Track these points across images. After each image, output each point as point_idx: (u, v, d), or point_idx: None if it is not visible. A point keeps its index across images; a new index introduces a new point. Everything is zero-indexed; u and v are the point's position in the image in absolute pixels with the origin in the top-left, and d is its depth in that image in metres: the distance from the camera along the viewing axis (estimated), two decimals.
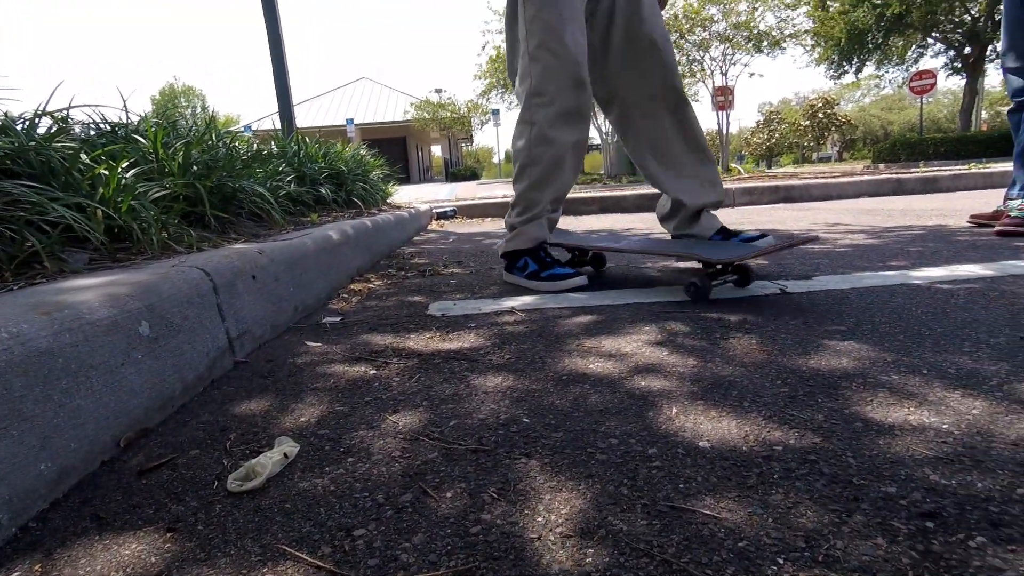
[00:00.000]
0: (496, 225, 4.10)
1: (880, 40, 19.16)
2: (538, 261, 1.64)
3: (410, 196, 7.59)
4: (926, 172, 6.22)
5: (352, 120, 19.45)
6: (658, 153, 1.76)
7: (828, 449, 0.64)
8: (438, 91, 22.26)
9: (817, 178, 6.70)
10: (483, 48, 16.43)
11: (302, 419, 0.79)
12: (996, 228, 2.19)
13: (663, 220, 1.87)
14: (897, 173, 6.53)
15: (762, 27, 16.36)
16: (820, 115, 37.97)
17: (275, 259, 1.27)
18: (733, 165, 11.31)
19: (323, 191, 2.64)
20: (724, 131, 17.11)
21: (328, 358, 1.05)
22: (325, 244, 1.60)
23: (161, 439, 0.75)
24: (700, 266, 1.49)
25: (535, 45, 1.56)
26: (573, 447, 0.67)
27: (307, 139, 3.05)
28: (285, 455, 0.67)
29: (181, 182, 1.45)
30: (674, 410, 0.76)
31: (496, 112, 17.42)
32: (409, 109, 21.86)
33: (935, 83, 14.62)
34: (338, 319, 1.34)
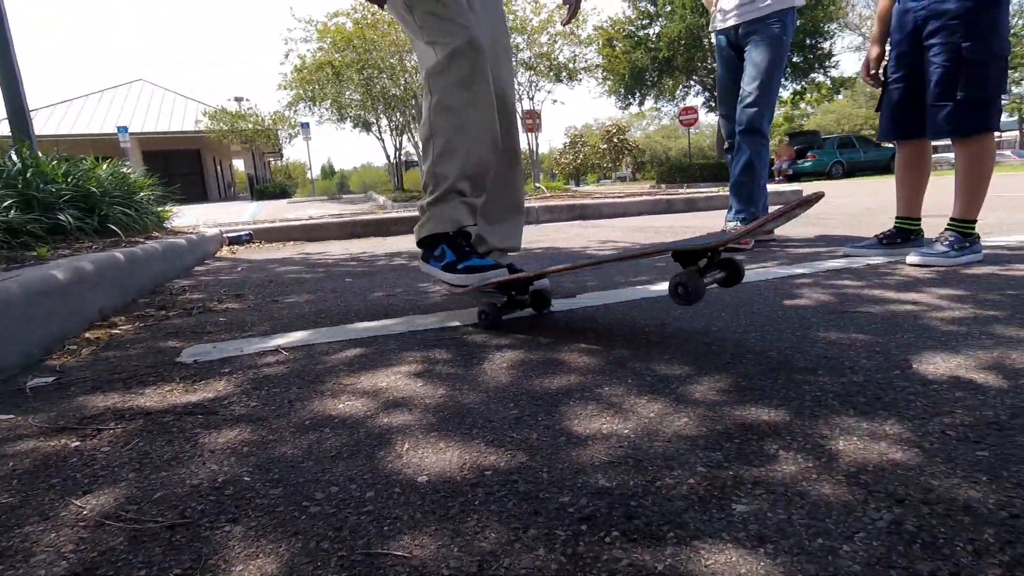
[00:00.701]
0: (298, 250, 3.87)
1: (656, 79, 22.44)
2: (456, 249, 1.52)
3: (203, 218, 6.81)
4: (689, 193, 7.41)
5: (126, 128, 16.69)
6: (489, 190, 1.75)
7: (530, 467, 0.71)
8: (238, 100, 20.38)
9: (608, 197, 7.56)
10: (286, 56, 15.49)
11: None
12: None
13: None
14: (668, 195, 7.66)
15: (561, 59, 18.03)
16: (615, 140, 43.06)
17: None
18: (537, 185, 12.26)
19: (63, 218, 2.23)
20: (535, 152, 18.45)
21: (16, 434, 0.88)
22: (43, 286, 1.35)
23: None
24: (680, 266, 1.16)
25: (428, 33, 1.52)
26: (288, 503, 0.65)
27: (41, 154, 2.55)
28: None
29: None
30: (406, 446, 0.78)
31: (305, 125, 16.49)
32: (202, 118, 19.55)
33: (697, 117, 17.55)
34: (50, 380, 1.13)
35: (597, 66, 20.94)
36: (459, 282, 1.48)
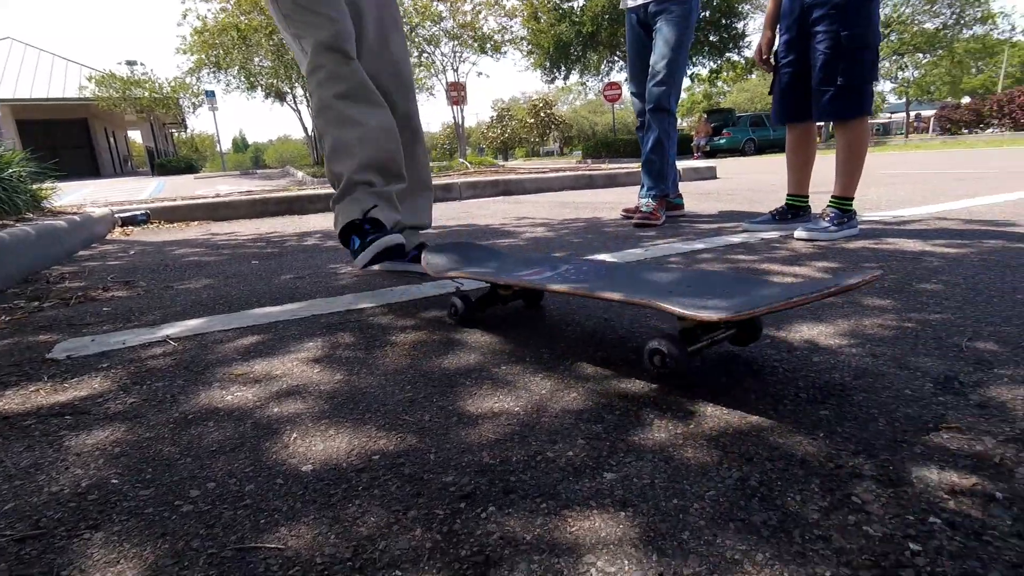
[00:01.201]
0: (204, 230, 3.62)
1: (580, 53, 22.58)
2: (360, 235, 1.58)
3: (93, 196, 6.22)
4: (610, 169, 7.59)
5: None
6: None
7: (418, 449, 0.72)
8: (130, 64, 18.50)
9: (532, 173, 7.60)
10: (184, 17, 14.18)
11: None
12: (633, 221, 2.79)
13: None
14: (590, 170, 7.81)
15: (486, 30, 17.73)
16: (542, 114, 43.18)
17: None
18: (462, 160, 12.12)
19: None
20: (461, 125, 18.16)
21: None
22: None
23: None
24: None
25: (294, 25, 1.53)
26: (158, 504, 0.63)
27: None
28: None
29: None
30: (294, 435, 0.77)
31: (211, 94, 15.25)
32: (87, 84, 17.56)
33: (621, 93, 17.90)
34: None
35: (522, 39, 20.80)
36: (360, 262, 1.52)
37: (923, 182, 4.26)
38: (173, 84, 17.71)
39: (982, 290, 1.27)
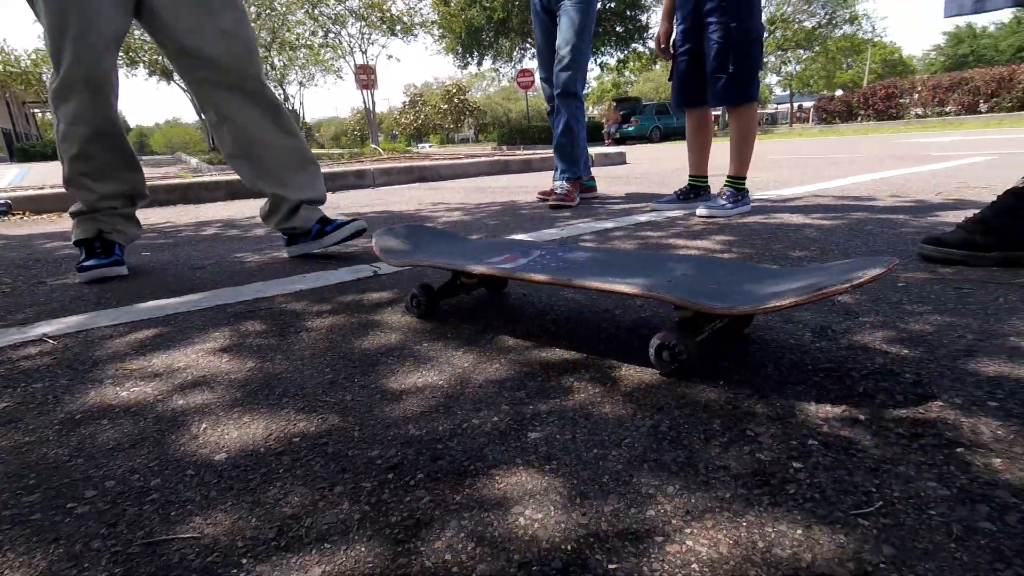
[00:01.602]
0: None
1: (492, 39, 22.51)
2: (89, 253, 1.66)
3: None
4: (526, 155, 7.67)
5: None
6: (254, 157, 1.69)
7: (342, 428, 0.70)
8: None
9: (447, 159, 7.53)
10: None
11: None
12: (549, 203, 2.85)
13: (265, 218, 1.80)
14: (506, 156, 7.85)
15: (394, 11, 17.19)
16: (456, 100, 42.71)
17: None
18: (373, 146, 11.77)
19: None
20: (372, 110, 17.57)
21: None
22: None
23: None
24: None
25: (46, 31, 1.48)
26: (48, 508, 0.57)
27: None
28: None
29: None
30: (204, 426, 0.72)
31: None
32: None
33: (534, 80, 18.07)
34: None
35: (433, 22, 20.39)
36: (81, 279, 1.61)
37: (804, 165, 4.69)
38: (34, 57, 15.66)
39: (850, 254, 1.42)
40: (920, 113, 20.28)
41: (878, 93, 21.28)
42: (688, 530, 0.48)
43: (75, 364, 0.95)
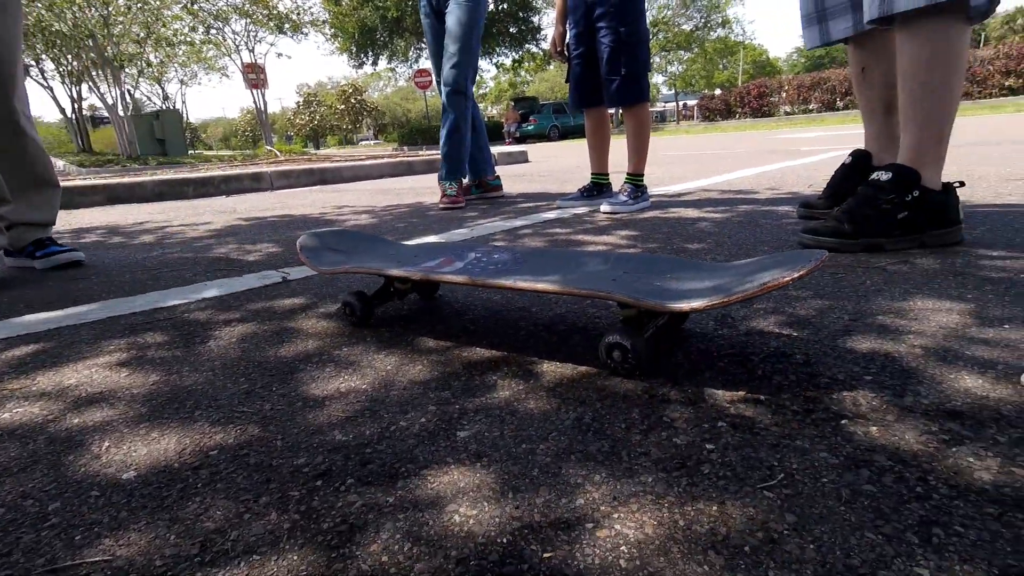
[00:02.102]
0: None
1: (387, 39, 22.04)
2: None
3: None
4: (429, 156, 7.62)
5: None
6: None
7: (262, 438, 0.68)
8: None
9: (348, 161, 7.30)
10: None
11: None
12: (440, 205, 2.83)
13: None
14: (409, 157, 7.75)
15: (281, 8, 16.34)
16: (352, 100, 41.34)
17: None
18: (268, 148, 11.14)
19: None
20: (264, 110, 16.61)
21: None
22: None
23: None
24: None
25: None
26: None
27: None
28: None
29: None
30: (106, 444, 0.67)
31: None
32: None
33: (432, 80, 17.95)
34: None
35: (324, 21, 19.58)
36: None
37: (693, 162, 5.07)
38: None
39: (741, 244, 1.58)
40: (788, 110, 22.53)
41: (752, 92, 23.35)
42: (616, 515, 0.52)
43: None
